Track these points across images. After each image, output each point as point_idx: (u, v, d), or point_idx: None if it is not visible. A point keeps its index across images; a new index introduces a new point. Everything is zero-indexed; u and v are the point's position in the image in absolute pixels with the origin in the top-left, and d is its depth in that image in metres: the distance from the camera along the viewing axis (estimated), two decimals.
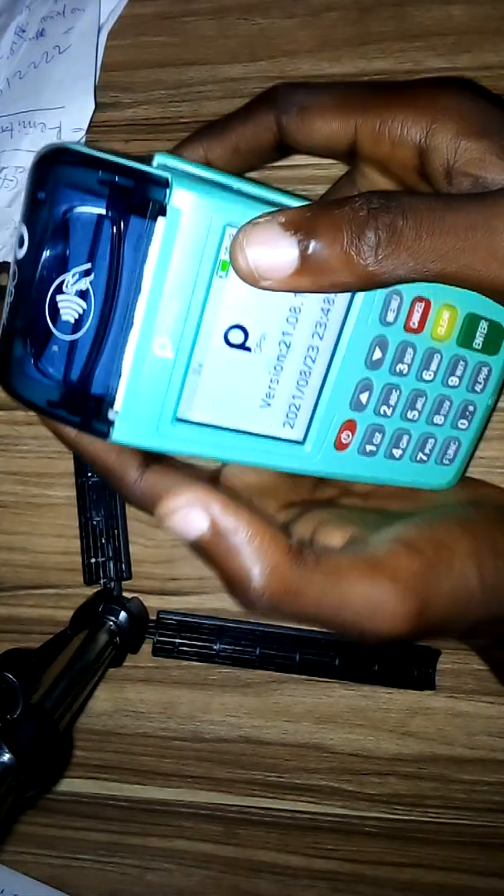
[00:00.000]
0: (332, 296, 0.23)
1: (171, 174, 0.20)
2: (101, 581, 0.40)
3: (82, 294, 0.20)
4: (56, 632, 0.36)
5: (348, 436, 0.25)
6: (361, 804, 0.41)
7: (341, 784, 0.41)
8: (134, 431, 0.22)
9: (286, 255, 0.20)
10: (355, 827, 0.42)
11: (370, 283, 0.21)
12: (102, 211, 0.20)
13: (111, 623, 0.37)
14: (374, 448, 0.25)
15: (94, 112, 0.39)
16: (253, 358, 0.22)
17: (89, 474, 0.40)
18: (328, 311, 0.23)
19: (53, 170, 0.20)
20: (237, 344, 0.22)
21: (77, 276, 0.20)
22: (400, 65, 0.37)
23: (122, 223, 0.20)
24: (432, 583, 0.22)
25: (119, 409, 0.21)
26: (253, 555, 0.21)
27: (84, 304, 0.20)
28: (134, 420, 0.22)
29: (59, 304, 0.21)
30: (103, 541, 0.40)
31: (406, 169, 0.25)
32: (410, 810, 0.41)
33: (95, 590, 0.40)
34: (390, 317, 0.23)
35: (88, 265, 0.20)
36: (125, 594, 0.40)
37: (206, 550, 0.21)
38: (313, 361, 0.23)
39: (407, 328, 0.24)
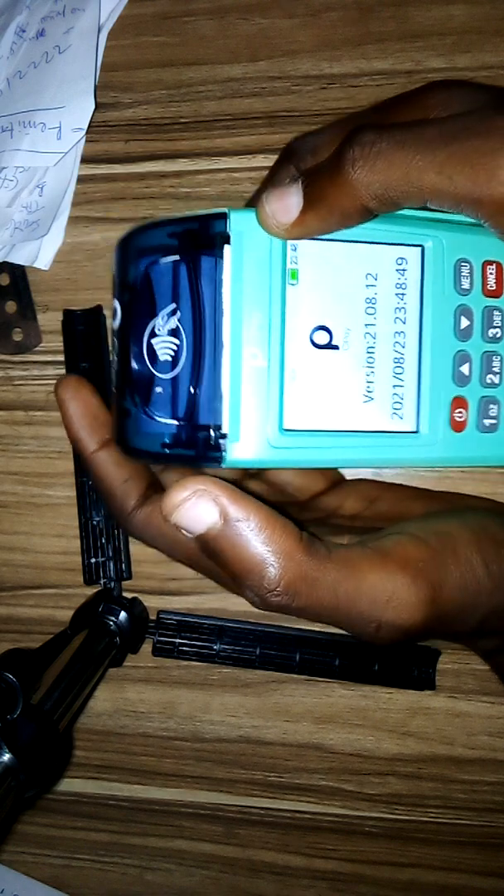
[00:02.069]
0: (402, 278, 0.23)
1: (229, 208, 0.22)
2: (101, 581, 0.40)
3: (173, 332, 0.22)
4: (56, 632, 0.36)
5: (462, 413, 0.24)
6: (361, 804, 0.41)
7: (341, 784, 0.41)
8: (246, 451, 0.22)
9: (293, 198, 0.21)
10: (355, 827, 0.42)
11: (366, 202, 0.21)
12: (177, 256, 0.22)
13: (111, 623, 0.37)
14: (493, 421, 0.24)
15: (94, 112, 0.38)
16: (343, 355, 0.23)
17: None
18: (403, 295, 0.23)
19: (130, 243, 0.23)
20: (324, 344, 0.23)
21: (165, 317, 0.22)
22: (400, 65, 0.37)
23: (194, 259, 0.22)
24: (441, 570, 0.22)
25: (227, 432, 0.22)
26: (266, 543, 0.21)
27: (177, 341, 0.22)
28: (244, 440, 0.22)
29: (156, 347, 0.22)
30: (103, 541, 0.40)
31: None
32: (410, 810, 0.41)
33: (95, 590, 0.40)
34: (465, 284, 0.23)
35: (174, 305, 0.22)
36: (125, 594, 0.40)
37: (215, 543, 0.21)
38: (403, 346, 0.23)
39: (486, 293, 0.24)
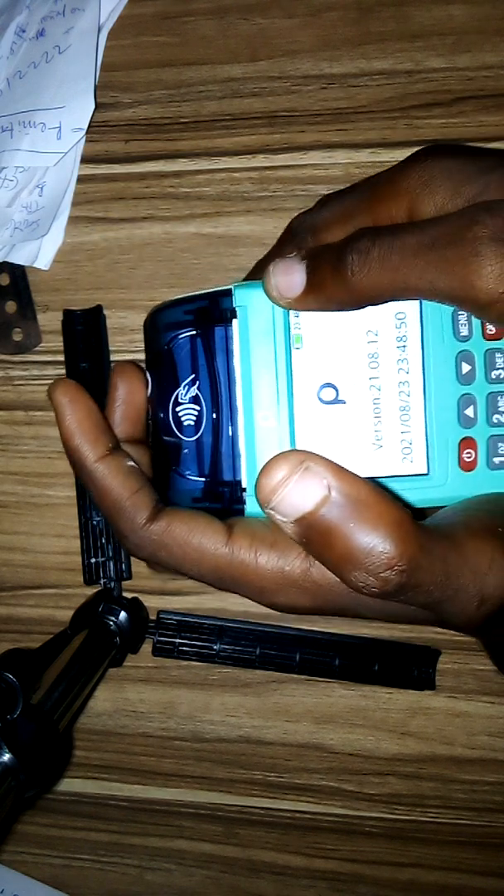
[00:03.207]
0: (402, 331, 0.24)
1: (234, 285, 0.25)
2: (101, 581, 0.40)
3: (195, 399, 0.25)
4: (56, 632, 0.36)
5: (470, 454, 0.25)
6: (361, 804, 0.41)
7: (341, 784, 0.41)
8: None
9: (297, 277, 0.23)
10: (355, 827, 0.42)
11: (361, 299, 0.23)
12: (193, 332, 0.25)
13: (111, 623, 0.37)
14: (503, 458, 0.26)
15: (94, 112, 0.39)
16: (350, 408, 0.25)
17: None
18: (404, 347, 0.24)
19: (153, 321, 0.26)
20: (331, 400, 0.25)
21: (186, 386, 0.25)
22: (400, 65, 0.37)
23: (208, 333, 0.25)
24: None
25: (246, 486, 0.24)
26: (381, 517, 0.19)
27: (198, 407, 0.25)
28: None
29: (180, 414, 0.25)
30: (103, 541, 0.40)
31: None
32: (410, 810, 0.41)
33: (95, 590, 0.40)
34: (464, 331, 0.24)
35: (193, 375, 0.25)
36: (125, 594, 0.40)
37: (323, 524, 0.19)
38: (408, 395, 0.25)
39: (486, 337, 0.25)
